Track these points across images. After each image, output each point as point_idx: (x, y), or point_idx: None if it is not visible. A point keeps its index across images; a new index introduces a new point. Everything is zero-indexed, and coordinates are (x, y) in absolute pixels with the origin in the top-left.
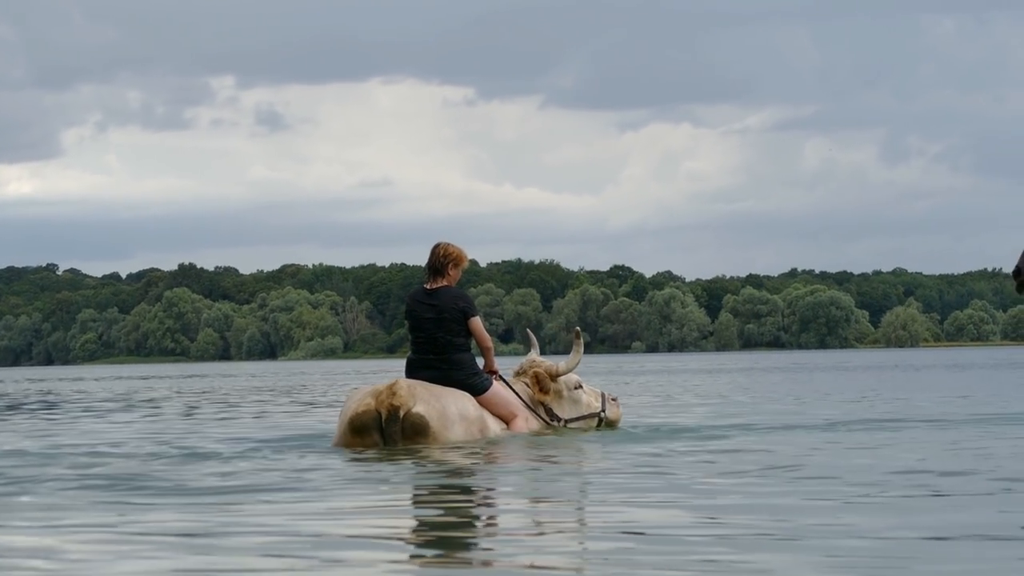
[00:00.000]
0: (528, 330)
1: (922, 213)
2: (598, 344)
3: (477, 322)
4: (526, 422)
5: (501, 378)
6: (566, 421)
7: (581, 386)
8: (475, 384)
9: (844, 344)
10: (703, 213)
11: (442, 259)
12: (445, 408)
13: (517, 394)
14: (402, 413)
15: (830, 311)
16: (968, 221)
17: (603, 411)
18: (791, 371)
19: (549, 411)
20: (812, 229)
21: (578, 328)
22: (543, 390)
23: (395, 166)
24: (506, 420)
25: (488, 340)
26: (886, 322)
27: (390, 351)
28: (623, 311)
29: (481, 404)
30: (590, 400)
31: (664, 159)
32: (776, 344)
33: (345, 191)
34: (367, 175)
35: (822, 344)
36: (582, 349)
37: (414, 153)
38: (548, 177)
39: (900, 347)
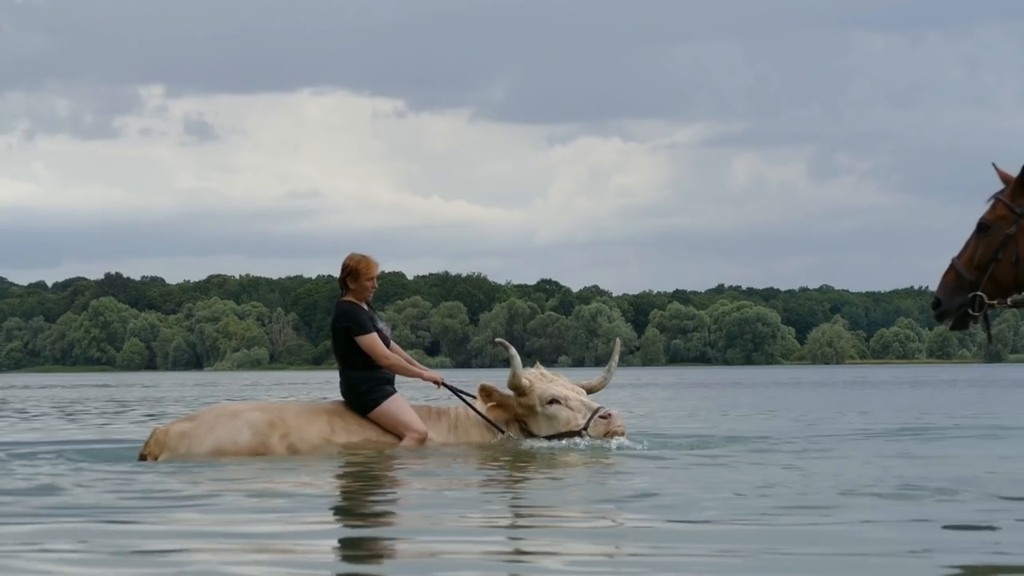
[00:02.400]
0: (502, 341)
1: (850, 230)
2: (525, 358)
3: (364, 340)
4: (417, 445)
5: (450, 387)
6: (543, 440)
7: (558, 401)
8: (363, 402)
9: (770, 360)
10: (631, 228)
11: (342, 271)
12: (188, 454)
13: (476, 412)
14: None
15: (756, 327)
16: (896, 239)
17: (585, 428)
18: (717, 387)
19: (525, 429)
20: (740, 245)
21: (499, 339)
22: (500, 405)
23: (324, 177)
24: (400, 438)
25: (384, 357)
26: (812, 339)
27: (316, 363)
28: (550, 325)
29: (376, 422)
30: (570, 416)
31: (593, 174)
32: (702, 360)
33: (273, 202)
34: (296, 186)
35: (748, 360)
36: (515, 356)
37: (343, 165)
38: (477, 190)
39: (826, 363)
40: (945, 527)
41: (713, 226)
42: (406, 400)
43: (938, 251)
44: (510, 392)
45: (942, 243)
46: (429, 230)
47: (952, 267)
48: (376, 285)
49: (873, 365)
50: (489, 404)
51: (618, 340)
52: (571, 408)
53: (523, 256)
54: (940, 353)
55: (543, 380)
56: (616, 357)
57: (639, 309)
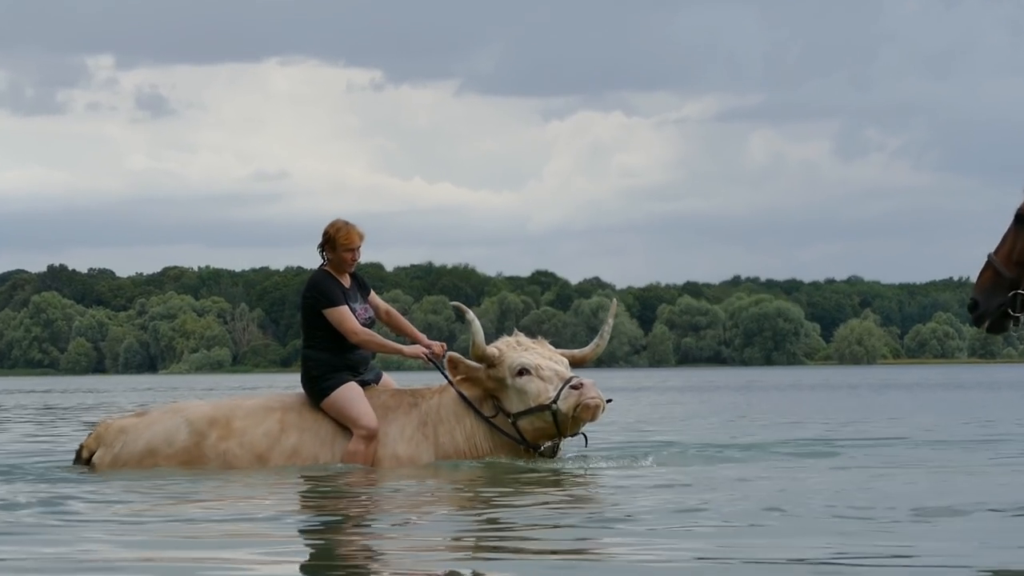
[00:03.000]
0: (458, 304)
1: (881, 215)
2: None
3: (331, 314)
4: (366, 443)
5: (435, 362)
6: (514, 417)
7: (528, 371)
8: (314, 390)
9: (792, 360)
10: (636, 213)
11: (321, 239)
12: (121, 452)
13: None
14: (87, 456)
15: (777, 323)
16: (932, 224)
17: (555, 402)
18: (736, 390)
19: (499, 407)
20: (758, 232)
21: (454, 302)
22: (469, 379)
23: (292, 157)
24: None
25: (354, 333)
26: (839, 336)
27: (284, 365)
28: (546, 322)
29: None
30: (540, 388)
31: (593, 152)
32: (716, 360)
33: (236, 185)
34: (261, 167)
35: (768, 360)
36: (474, 321)
37: (314, 143)
38: (464, 171)
39: (855, 364)
40: None
41: (728, 211)
42: (359, 389)
43: (980, 237)
44: (477, 365)
45: (984, 228)
46: (410, 216)
47: (989, 264)
48: (357, 258)
49: (908, 365)
50: (457, 378)
51: (614, 301)
52: (542, 379)
53: (515, 245)
54: (983, 352)
55: (515, 349)
56: (611, 320)
57: (646, 304)
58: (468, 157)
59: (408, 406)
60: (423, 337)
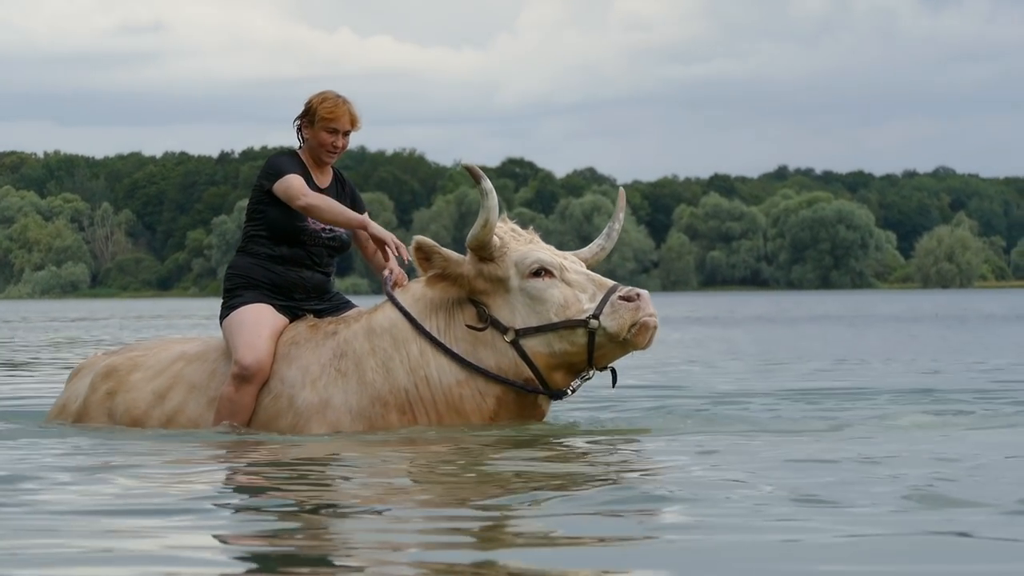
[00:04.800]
0: (470, 165)
1: (980, 83)
2: None
3: (279, 185)
4: (236, 386)
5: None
6: (517, 333)
7: (548, 270)
8: (221, 311)
9: (859, 282)
10: (645, 80)
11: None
12: (58, 404)
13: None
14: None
15: (838, 232)
16: None
17: (595, 317)
18: (782, 323)
19: (487, 317)
20: (811, 107)
21: (466, 163)
22: (445, 276)
23: (171, 2)
24: None
25: (301, 196)
26: (923, 250)
27: (162, 286)
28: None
29: None
30: (567, 296)
31: None
32: (755, 281)
33: (94, 41)
34: (128, 16)
35: (825, 282)
36: (491, 192)
37: None
38: (408, 21)
39: (944, 288)
40: None
41: (771, 77)
42: (268, 313)
43: None
44: (460, 256)
45: None
46: (335, 83)
47: None
48: (339, 145)
49: (1017, 289)
50: (428, 274)
51: (622, 191)
52: (568, 283)
53: (480, 123)
54: None
55: (519, 239)
56: (621, 216)
57: (658, 204)
58: (415, 1)
59: (323, 336)
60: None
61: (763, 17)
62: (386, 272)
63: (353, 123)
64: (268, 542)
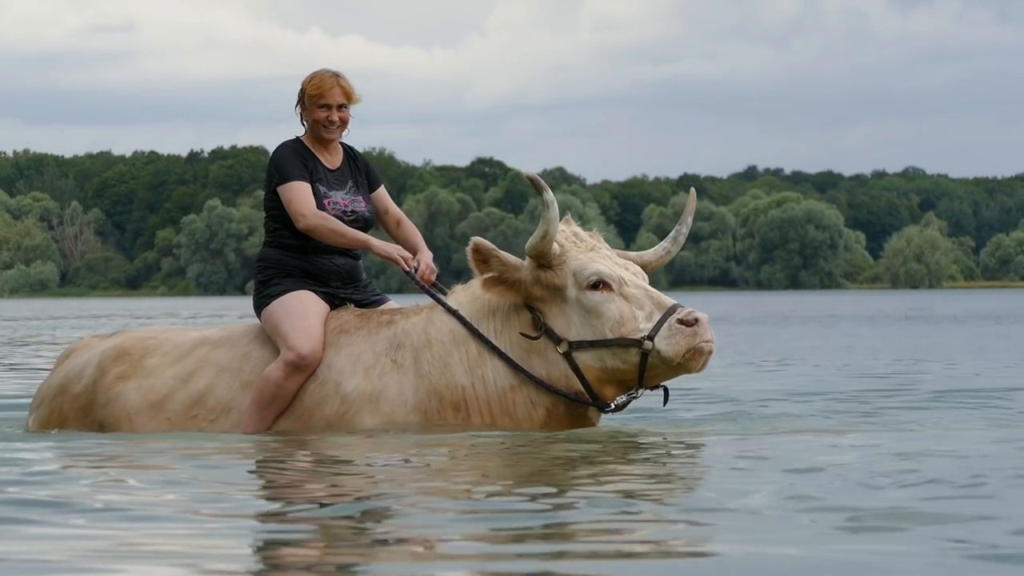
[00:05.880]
0: (531, 175)
1: (950, 84)
2: (451, 279)
3: (283, 191)
4: (286, 372)
5: (413, 277)
6: (571, 345)
7: (606, 283)
8: (257, 300)
9: (828, 282)
10: (616, 80)
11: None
12: (42, 385)
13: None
14: None
15: (807, 232)
16: (1020, 96)
17: (650, 339)
18: (753, 323)
19: (542, 326)
20: (782, 107)
21: (529, 173)
22: (502, 281)
23: (142, 1)
24: None
25: (302, 216)
26: (892, 250)
27: (131, 286)
28: (490, 228)
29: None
30: (623, 313)
31: None
32: (724, 281)
33: (65, 40)
34: (98, 16)
35: (794, 282)
36: (552, 203)
37: None
38: (378, 21)
39: (913, 288)
40: None
41: (741, 77)
42: (313, 300)
43: None
44: (518, 261)
45: None
46: None
47: None
48: (336, 119)
49: (985, 289)
50: (485, 276)
51: (693, 192)
52: (626, 298)
53: (450, 123)
54: None
55: (579, 246)
56: (689, 220)
57: (627, 204)
58: (385, 1)
59: (377, 325)
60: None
61: (733, 18)
62: (410, 267)
63: (348, 96)
64: (288, 549)
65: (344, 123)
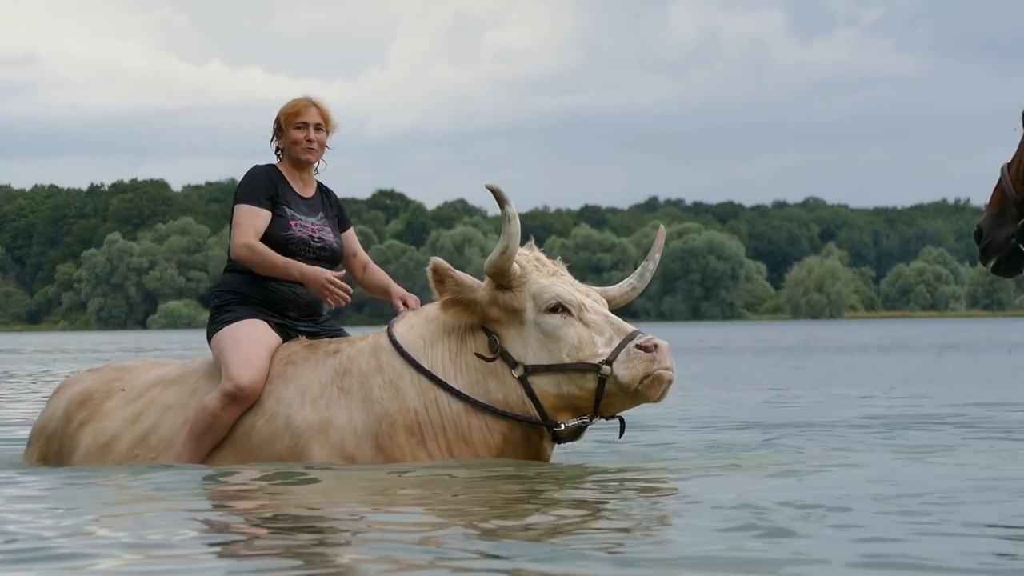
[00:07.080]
0: (493, 186)
1: (850, 114)
2: (354, 313)
3: (235, 211)
4: (222, 403)
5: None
6: (526, 369)
7: (565, 307)
8: (209, 328)
9: (730, 313)
10: (516, 111)
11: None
12: (37, 422)
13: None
14: None
15: (708, 263)
16: (920, 127)
17: (607, 364)
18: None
19: (497, 348)
20: (683, 137)
21: (491, 185)
22: (459, 302)
23: (42, 33)
24: None
25: (241, 246)
26: (793, 280)
27: (31, 321)
28: (392, 260)
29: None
30: (582, 337)
31: (457, 27)
32: (626, 312)
33: None
34: None
35: (695, 313)
36: (514, 217)
37: (72, 16)
38: (279, 53)
39: (814, 318)
40: None
41: (641, 108)
42: (263, 329)
43: (987, 145)
44: (474, 281)
45: (994, 132)
46: (206, 115)
47: (999, 181)
48: (314, 139)
49: (886, 320)
50: (441, 298)
51: (662, 230)
52: (586, 323)
53: (350, 155)
54: (987, 302)
55: (541, 271)
56: (657, 256)
57: (528, 236)
58: (285, 32)
59: (324, 355)
60: (409, 298)
61: (633, 48)
62: (398, 303)
63: (325, 119)
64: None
65: (321, 146)
